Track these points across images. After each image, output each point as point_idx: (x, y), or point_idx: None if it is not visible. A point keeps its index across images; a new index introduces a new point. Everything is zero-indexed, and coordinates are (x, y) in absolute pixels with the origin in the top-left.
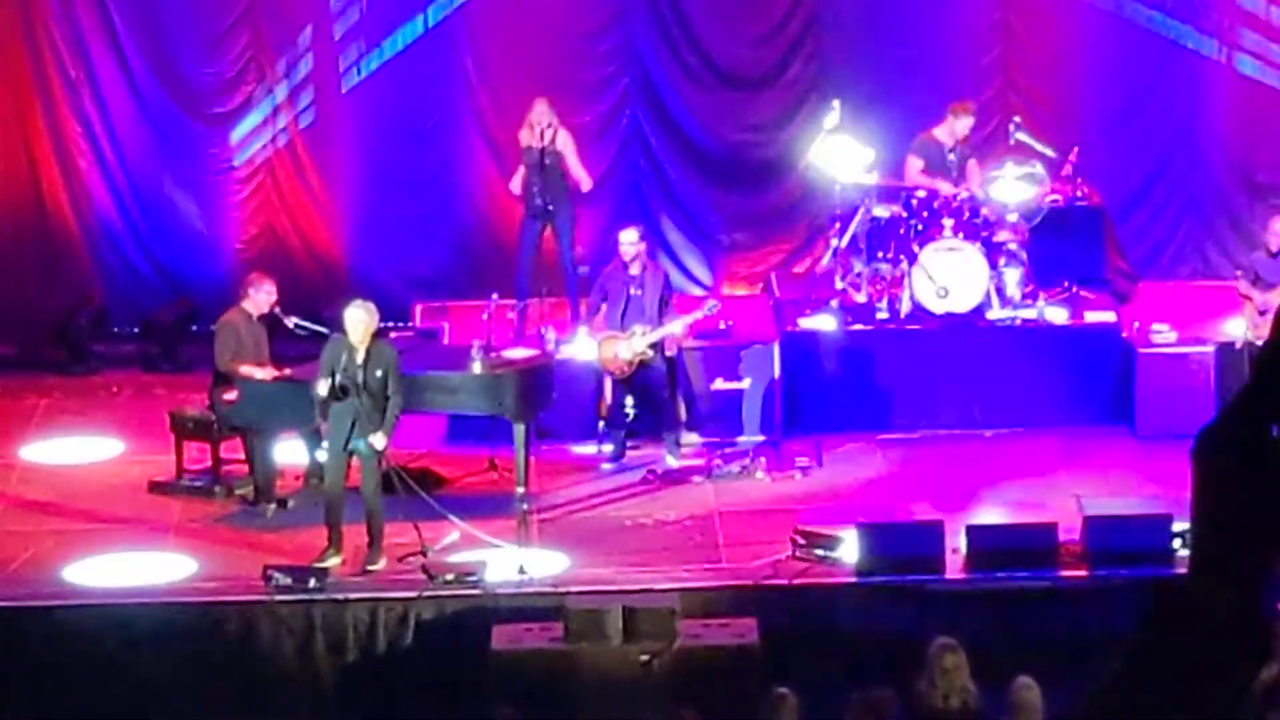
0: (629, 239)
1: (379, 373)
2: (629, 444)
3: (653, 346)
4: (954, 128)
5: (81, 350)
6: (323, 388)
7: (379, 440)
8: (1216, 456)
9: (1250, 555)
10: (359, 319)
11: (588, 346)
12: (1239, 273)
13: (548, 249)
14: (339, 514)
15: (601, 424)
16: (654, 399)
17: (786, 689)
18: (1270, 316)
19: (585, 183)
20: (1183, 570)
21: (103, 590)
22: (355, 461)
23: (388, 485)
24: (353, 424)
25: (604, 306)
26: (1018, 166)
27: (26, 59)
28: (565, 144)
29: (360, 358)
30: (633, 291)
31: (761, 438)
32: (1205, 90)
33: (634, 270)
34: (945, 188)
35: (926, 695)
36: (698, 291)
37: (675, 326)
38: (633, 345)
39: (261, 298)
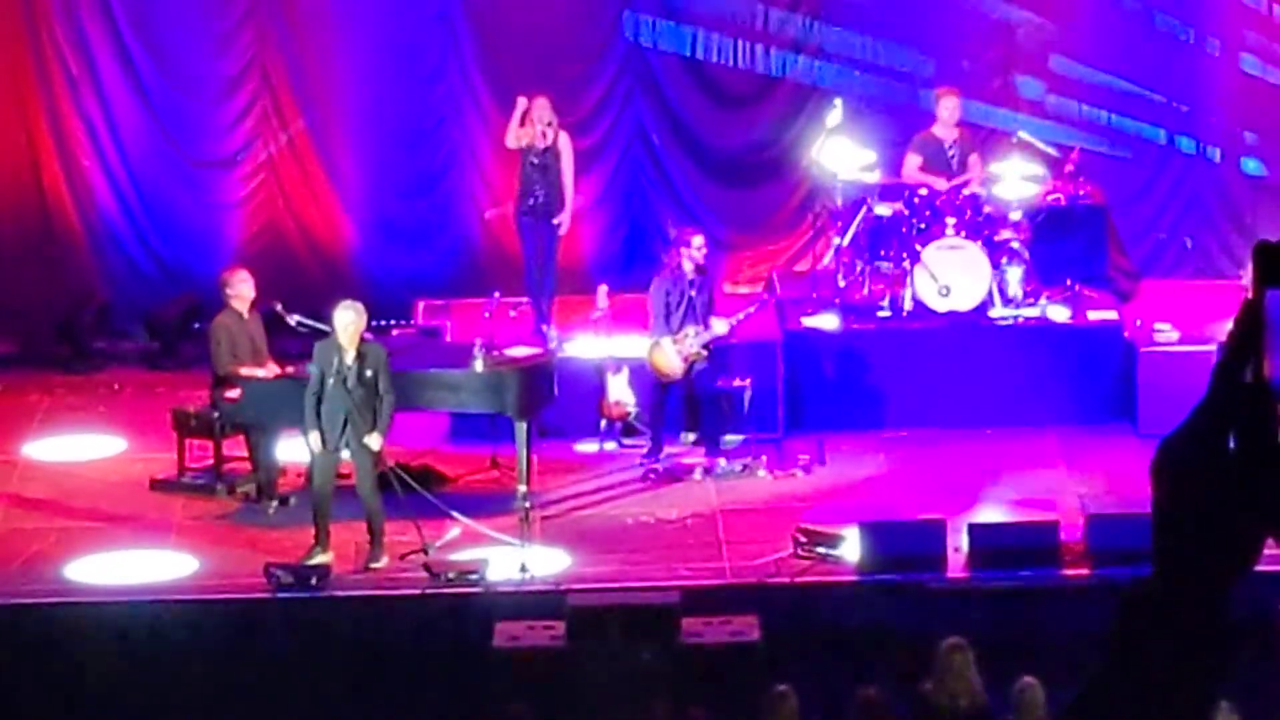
0: (700, 243)
1: (370, 373)
2: (625, 443)
3: (705, 346)
4: (943, 117)
5: (84, 348)
6: (314, 442)
7: (375, 441)
8: (1175, 468)
9: (1210, 568)
10: (348, 320)
11: (594, 347)
12: (1244, 271)
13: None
14: (326, 512)
15: (604, 423)
16: (699, 401)
17: (786, 687)
18: None
19: (565, 221)
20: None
21: (105, 588)
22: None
23: (387, 485)
24: (344, 424)
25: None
26: (1020, 165)
27: (29, 56)
28: (564, 146)
29: (351, 358)
30: (691, 295)
31: (764, 436)
32: (1208, 87)
33: (689, 273)
34: (940, 184)
35: (934, 694)
36: None
37: (722, 327)
38: (687, 347)
39: (244, 290)
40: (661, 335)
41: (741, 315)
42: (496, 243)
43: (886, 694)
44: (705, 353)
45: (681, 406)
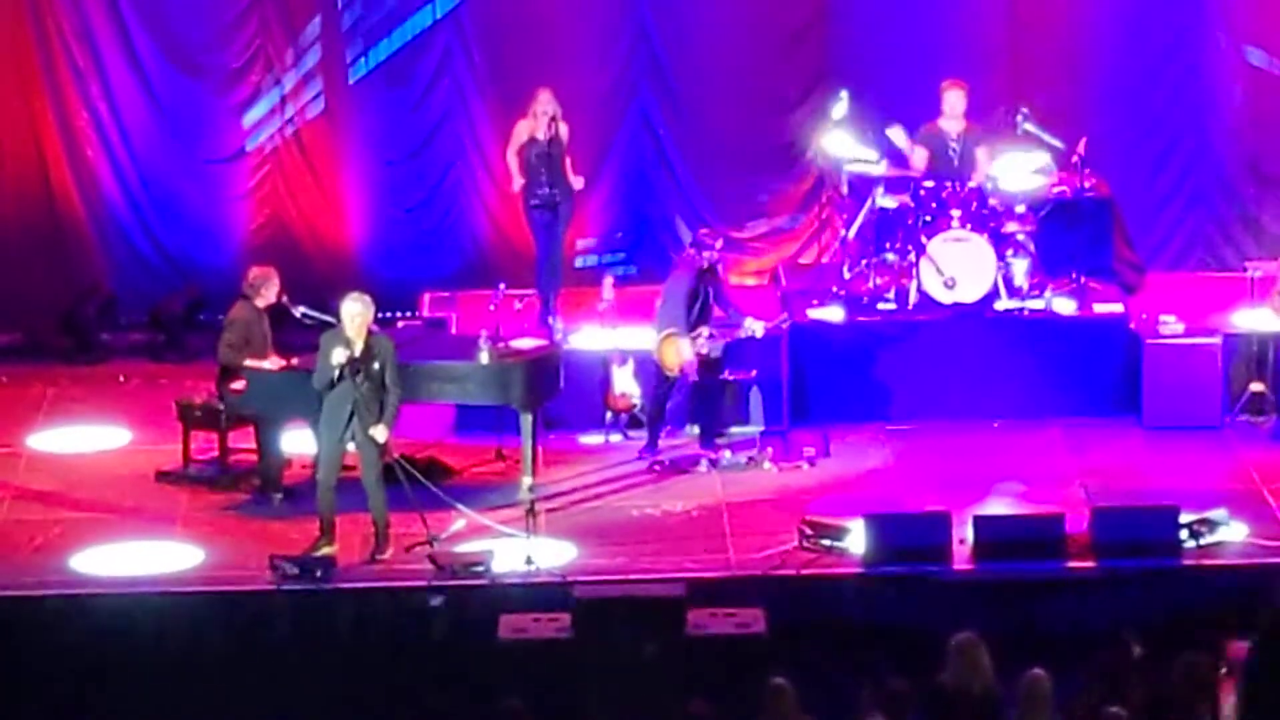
0: (721, 245)
1: (376, 365)
2: (630, 435)
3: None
4: (947, 110)
5: (89, 339)
6: (340, 356)
7: (380, 433)
8: None
9: None
10: (355, 312)
11: (600, 339)
12: (1250, 264)
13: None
14: (331, 504)
15: (609, 415)
16: (696, 393)
17: (783, 680)
18: None
19: (578, 181)
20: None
21: (110, 580)
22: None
23: (392, 477)
24: (350, 415)
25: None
26: (1025, 157)
27: (34, 48)
28: (566, 135)
29: (358, 351)
30: (709, 295)
31: (769, 428)
32: (1213, 80)
33: (706, 275)
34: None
35: (949, 686)
36: None
37: (757, 328)
38: (700, 346)
39: (270, 292)
40: (679, 329)
41: (756, 329)
42: (502, 234)
43: (908, 685)
44: (715, 354)
45: (686, 401)
